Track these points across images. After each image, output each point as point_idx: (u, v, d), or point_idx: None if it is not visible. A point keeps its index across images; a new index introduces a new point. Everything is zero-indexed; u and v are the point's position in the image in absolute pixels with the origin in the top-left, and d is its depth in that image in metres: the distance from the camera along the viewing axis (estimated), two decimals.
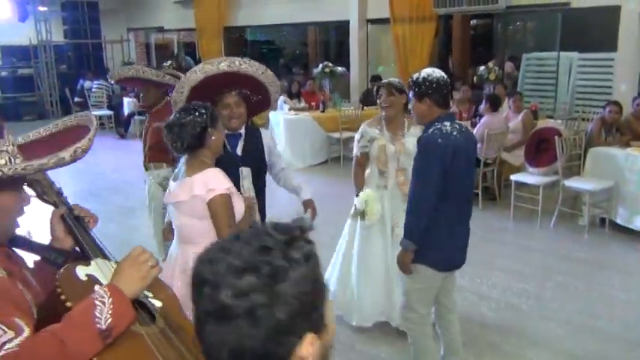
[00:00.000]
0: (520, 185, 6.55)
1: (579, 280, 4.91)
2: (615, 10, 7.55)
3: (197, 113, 2.58)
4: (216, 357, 0.89)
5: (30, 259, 1.74)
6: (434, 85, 2.92)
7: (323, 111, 9.73)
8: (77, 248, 1.80)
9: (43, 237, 1.82)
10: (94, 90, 13.57)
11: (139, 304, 1.55)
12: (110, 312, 1.39)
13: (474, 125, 7.46)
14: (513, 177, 6.56)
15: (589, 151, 6.30)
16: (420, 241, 2.95)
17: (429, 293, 3.17)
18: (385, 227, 3.77)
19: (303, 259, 0.89)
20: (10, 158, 1.48)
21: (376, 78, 10.39)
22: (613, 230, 6.01)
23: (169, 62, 13.71)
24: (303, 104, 10.15)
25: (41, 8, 14.94)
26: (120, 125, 12.76)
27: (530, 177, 6.47)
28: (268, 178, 3.43)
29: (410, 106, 3.13)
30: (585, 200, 6.03)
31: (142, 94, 4.79)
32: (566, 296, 4.62)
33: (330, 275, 4.12)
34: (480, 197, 6.88)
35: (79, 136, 1.60)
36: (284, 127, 9.29)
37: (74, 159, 1.54)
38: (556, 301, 4.54)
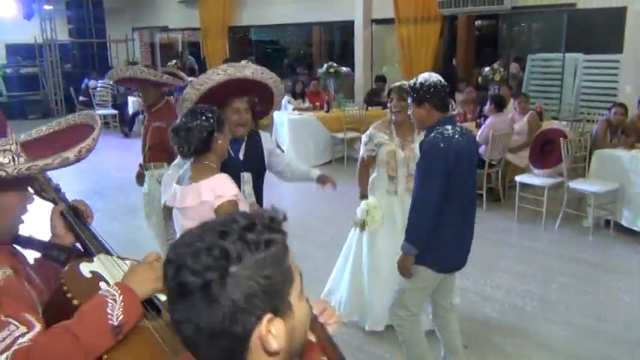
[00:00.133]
0: (525, 186, 6.54)
1: (583, 282, 4.89)
2: (621, 12, 7.53)
3: (204, 117, 2.56)
4: (185, 335, 0.95)
5: (30, 256, 1.74)
6: (432, 90, 2.92)
7: (327, 111, 9.73)
8: (78, 244, 1.81)
9: (41, 234, 1.82)
10: (98, 89, 13.60)
11: (146, 300, 1.56)
12: (121, 309, 1.41)
13: (478, 126, 7.45)
14: (518, 178, 6.54)
15: (594, 152, 6.28)
16: (422, 243, 2.94)
17: (423, 293, 3.18)
18: (395, 231, 3.74)
19: (264, 244, 0.93)
20: (13, 157, 1.48)
21: (380, 78, 10.40)
22: (618, 232, 5.99)
23: (174, 61, 13.74)
24: (307, 104, 10.14)
25: (46, 7, 14.99)
26: (124, 124, 12.78)
27: (535, 178, 6.45)
28: (266, 180, 3.42)
29: (409, 112, 3.14)
30: (590, 202, 6.00)
31: (140, 94, 4.78)
32: (571, 298, 4.60)
33: (339, 280, 4.13)
34: (484, 198, 6.87)
35: (82, 136, 1.60)
36: (288, 127, 9.29)
37: (78, 159, 1.53)
38: (560, 303, 4.52)
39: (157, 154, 4.48)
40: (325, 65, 10.64)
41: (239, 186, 3.04)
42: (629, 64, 7.64)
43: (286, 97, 9.56)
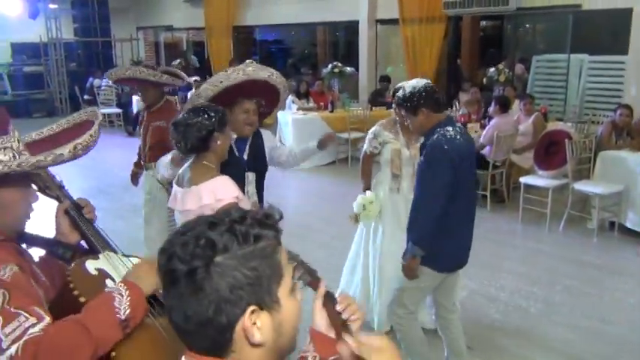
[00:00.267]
0: (529, 188, 6.52)
1: (588, 284, 4.87)
2: (627, 13, 7.50)
3: (206, 115, 2.53)
4: (175, 322, 0.99)
5: (34, 254, 1.74)
6: (423, 94, 2.93)
7: (331, 111, 9.72)
8: (83, 242, 1.81)
9: (46, 232, 1.82)
10: (103, 88, 13.63)
11: (152, 297, 1.57)
12: (128, 303, 1.44)
13: (483, 127, 7.44)
14: (522, 179, 6.53)
15: (599, 154, 6.26)
16: (428, 245, 2.93)
17: (423, 293, 3.19)
18: (400, 230, 3.72)
19: (253, 237, 0.96)
20: (14, 155, 1.48)
21: (385, 78, 10.39)
22: (622, 234, 5.97)
23: (178, 60, 13.77)
24: (311, 104, 10.14)
25: (52, 6, 15.03)
26: (128, 123, 12.80)
27: (540, 180, 6.43)
28: (268, 180, 3.42)
29: (407, 124, 3.14)
30: (595, 204, 5.99)
31: (140, 94, 4.77)
32: (575, 300, 4.59)
33: (350, 281, 4.15)
34: (488, 199, 6.85)
35: (83, 132, 1.60)
36: (292, 126, 9.28)
37: (75, 155, 1.53)
38: (564, 305, 4.51)
39: (158, 153, 4.45)
40: (330, 65, 10.63)
41: (243, 186, 3.04)
42: (634, 65, 7.61)
43: (290, 97, 9.56)
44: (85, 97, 13.97)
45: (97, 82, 13.71)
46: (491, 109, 7.11)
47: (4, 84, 15.24)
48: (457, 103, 9.31)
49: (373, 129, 3.93)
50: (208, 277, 0.93)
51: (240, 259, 0.94)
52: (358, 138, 9.11)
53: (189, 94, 10.52)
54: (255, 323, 0.96)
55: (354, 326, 1.34)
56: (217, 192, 2.49)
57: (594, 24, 10.06)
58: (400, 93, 3.01)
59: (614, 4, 7.75)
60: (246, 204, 2.65)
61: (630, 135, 6.41)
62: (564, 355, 3.83)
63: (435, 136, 2.91)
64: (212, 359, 0.99)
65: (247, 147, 3.18)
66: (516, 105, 7.72)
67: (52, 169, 1.89)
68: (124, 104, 13.29)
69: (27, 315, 1.33)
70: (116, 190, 7.82)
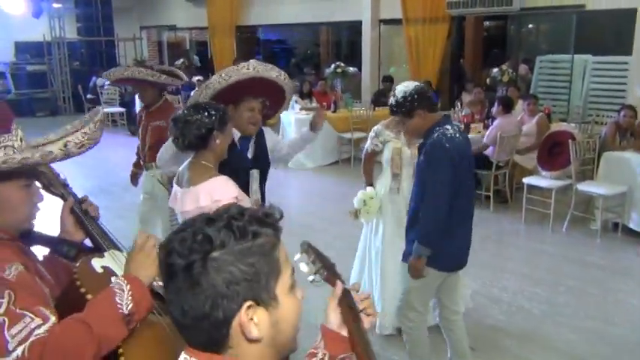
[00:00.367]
0: (532, 188, 6.50)
1: (591, 285, 4.86)
2: (631, 14, 7.48)
3: (206, 113, 2.50)
4: (173, 317, 1.00)
5: (38, 253, 1.73)
6: (416, 97, 2.92)
7: (334, 111, 9.71)
8: (86, 241, 1.80)
9: (49, 230, 1.82)
10: (106, 87, 13.65)
11: (156, 295, 1.56)
12: (130, 297, 1.43)
13: (486, 127, 7.43)
14: (526, 180, 6.51)
15: (603, 155, 6.25)
16: (435, 244, 2.93)
17: (429, 292, 3.17)
18: (401, 232, 3.71)
19: (251, 234, 0.97)
20: (14, 153, 1.47)
21: (388, 78, 10.37)
22: (626, 235, 5.95)
23: (182, 60, 13.77)
24: (314, 104, 10.13)
25: (55, 5, 15.07)
26: (131, 122, 12.76)
27: (543, 180, 6.41)
28: (270, 180, 3.41)
29: (404, 129, 3.14)
30: (598, 204, 5.97)
31: (138, 94, 4.75)
32: (578, 301, 4.57)
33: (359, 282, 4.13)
34: (491, 200, 6.84)
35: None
36: (295, 126, 9.27)
37: (68, 154, 1.50)
38: (567, 306, 4.49)
39: (158, 153, 4.45)
40: (332, 65, 10.62)
41: (248, 184, 3.04)
42: (638, 66, 7.60)
43: (293, 97, 9.55)
44: (88, 96, 13.99)
45: (100, 81, 13.71)
46: (494, 109, 7.10)
47: (8, 83, 15.27)
48: (459, 104, 9.30)
49: (375, 127, 3.94)
50: (205, 271, 0.94)
51: (237, 255, 0.95)
52: (361, 138, 9.09)
53: (191, 94, 10.52)
54: (252, 319, 0.97)
55: (366, 323, 1.36)
56: (214, 193, 2.45)
57: (598, 24, 10.03)
58: (392, 100, 3.00)
59: (618, 4, 7.73)
60: (246, 204, 2.63)
61: (634, 136, 6.39)
62: (567, 355, 3.82)
63: (435, 135, 2.90)
64: (210, 355, 1.00)
65: (251, 145, 3.18)
66: (520, 105, 7.70)
67: (56, 168, 1.89)
68: (127, 103, 13.29)
69: (32, 316, 1.33)
70: (118, 190, 7.82)
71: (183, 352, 1.03)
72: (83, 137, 1.52)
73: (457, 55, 11.31)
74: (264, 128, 3.38)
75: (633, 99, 7.37)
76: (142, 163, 4.75)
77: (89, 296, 1.47)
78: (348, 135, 9.29)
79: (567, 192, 6.35)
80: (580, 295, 4.69)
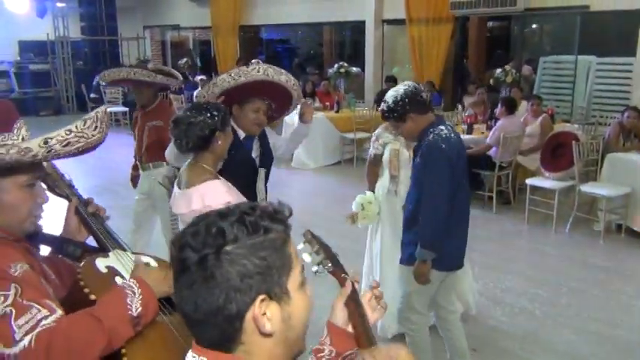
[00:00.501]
0: (535, 189, 6.49)
1: (594, 286, 4.85)
2: (635, 15, 7.46)
3: (209, 114, 2.48)
4: (185, 312, 0.99)
5: (42, 252, 1.73)
6: (407, 100, 2.90)
7: (337, 111, 9.71)
8: (89, 240, 1.80)
9: (49, 229, 1.82)
10: (109, 86, 13.66)
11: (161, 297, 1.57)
12: (140, 302, 1.44)
13: (489, 128, 7.41)
14: (529, 181, 6.50)
15: (606, 156, 6.23)
16: (439, 246, 2.92)
17: (429, 293, 3.16)
18: (397, 234, 3.70)
19: (262, 229, 0.97)
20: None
21: (391, 79, 10.36)
22: (629, 236, 5.94)
23: (185, 60, 13.79)
24: (317, 104, 10.12)
25: (59, 4, 15.10)
26: None
27: (546, 181, 6.40)
28: (272, 179, 3.42)
29: (398, 132, 3.14)
30: (601, 206, 5.96)
31: (134, 95, 4.71)
32: (581, 302, 4.56)
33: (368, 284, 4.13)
34: (494, 201, 6.83)
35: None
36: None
37: (50, 151, 1.41)
38: (570, 307, 4.48)
39: (156, 153, 4.40)
40: (336, 65, 10.60)
41: (255, 184, 3.04)
42: None
43: None
44: (91, 95, 14.01)
45: None
46: (497, 110, 7.09)
47: (11, 82, 15.30)
48: (461, 107, 9.28)
49: (376, 131, 3.92)
50: (219, 264, 0.94)
51: (250, 249, 0.95)
52: (364, 138, 9.10)
53: (194, 93, 10.54)
54: (264, 313, 0.97)
55: (371, 319, 1.38)
56: (206, 197, 2.42)
57: (602, 25, 10.01)
58: (384, 106, 2.99)
59: (623, 5, 7.71)
60: None
61: (638, 137, 6.38)
62: (569, 357, 3.81)
63: (431, 137, 2.89)
64: (218, 353, 1.00)
65: (256, 145, 3.18)
66: (523, 106, 7.69)
67: (61, 168, 1.89)
68: (130, 103, 13.30)
69: (39, 307, 1.34)
70: (121, 189, 7.82)
71: (190, 350, 1.02)
72: (68, 134, 1.44)
73: (460, 56, 11.30)
74: (265, 128, 3.38)
75: (637, 100, 7.36)
76: (138, 164, 4.70)
77: (93, 296, 1.47)
78: (350, 135, 9.28)
79: (570, 193, 6.34)
80: (583, 296, 4.68)
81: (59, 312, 1.36)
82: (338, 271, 1.36)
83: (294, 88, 3.08)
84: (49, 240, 1.74)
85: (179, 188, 2.62)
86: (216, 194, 2.42)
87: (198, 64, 16.19)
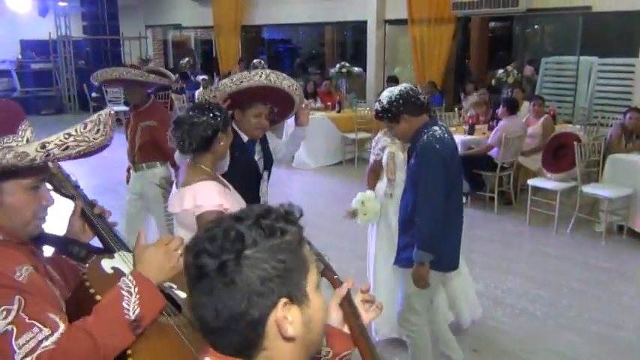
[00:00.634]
0: (537, 190, 6.48)
1: (596, 288, 4.84)
2: (637, 15, 7.46)
3: (211, 115, 2.47)
4: (204, 320, 0.97)
5: (45, 253, 1.72)
6: (401, 102, 2.90)
7: (339, 111, 9.71)
8: (97, 240, 1.79)
9: (55, 230, 1.81)
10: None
11: (164, 296, 1.53)
12: (138, 302, 1.40)
13: (491, 129, 7.40)
14: (530, 181, 6.49)
15: (608, 157, 6.23)
16: (437, 247, 2.92)
17: (428, 293, 3.16)
18: (390, 235, 3.67)
19: (279, 231, 0.96)
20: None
21: (392, 79, 10.35)
22: (631, 237, 5.93)
23: (187, 59, 13.79)
24: (318, 104, 10.13)
25: (61, 3, 15.12)
26: None
27: (548, 182, 6.39)
28: (275, 179, 3.42)
29: (393, 133, 3.14)
30: (603, 207, 5.95)
31: (127, 95, 4.69)
32: (583, 303, 4.56)
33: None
34: (495, 201, 6.82)
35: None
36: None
37: (48, 155, 1.38)
38: (571, 308, 4.48)
39: (149, 153, 4.40)
40: (337, 65, 10.60)
41: (258, 187, 3.04)
42: None
43: None
44: (93, 94, 14.02)
45: None
46: (499, 110, 7.09)
47: (13, 81, 15.32)
48: (458, 109, 9.27)
49: (376, 137, 3.90)
50: (239, 269, 0.92)
51: (269, 252, 0.94)
52: (365, 138, 9.10)
53: (196, 93, 10.53)
54: (286, 317, 0.96)
55: (366, 319, 1.37)
56: (198, 197, 2.41)
57: (604, 26, 10.00)
58: (378, 106, 2.99)
59: (625, 6, 7.70)
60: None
61: (639, 138, 6.37)
62: (571, 358, 3.80)
63: (425, 137, 2.89)
64: None
65: (258, 148, 3.18)
66: (525, 107, 7.68)
67: (67, 168, 1.88)
68: None
69: (40, 326, 1.31)
70: (122, 189, 7.82)
71: (206, 357, 1.00)
72: (66, 138, 1.41)
73: (462, 56, 11.30)
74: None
75: (639, 101, 7.34)
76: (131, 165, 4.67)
77: (98, 297, 1.45)
78: (352, 135, 9.28)
79: (572, 194, 6.33)
80: (584, 297, 4.67)
81: (61, 328, 1.34)
82: (328, 272, 1.35)
83: (297, 93, 3.07)
84: (53, 240, 1.73)
85: (177, 188, 2.62)
86: (208, 194, 2.41)
87: (199, 63, 16.19)
